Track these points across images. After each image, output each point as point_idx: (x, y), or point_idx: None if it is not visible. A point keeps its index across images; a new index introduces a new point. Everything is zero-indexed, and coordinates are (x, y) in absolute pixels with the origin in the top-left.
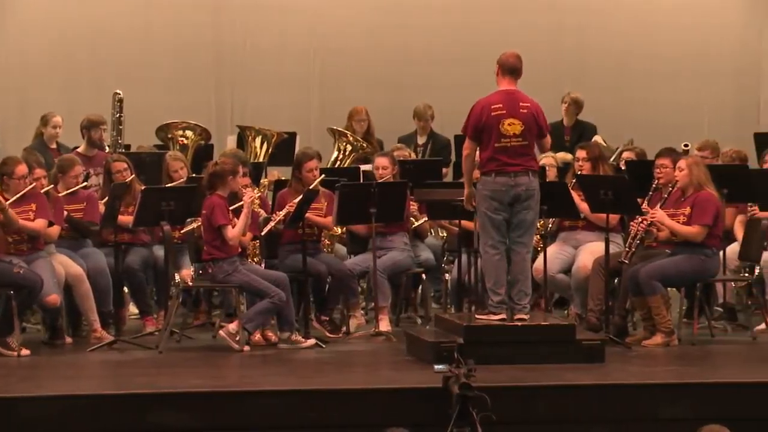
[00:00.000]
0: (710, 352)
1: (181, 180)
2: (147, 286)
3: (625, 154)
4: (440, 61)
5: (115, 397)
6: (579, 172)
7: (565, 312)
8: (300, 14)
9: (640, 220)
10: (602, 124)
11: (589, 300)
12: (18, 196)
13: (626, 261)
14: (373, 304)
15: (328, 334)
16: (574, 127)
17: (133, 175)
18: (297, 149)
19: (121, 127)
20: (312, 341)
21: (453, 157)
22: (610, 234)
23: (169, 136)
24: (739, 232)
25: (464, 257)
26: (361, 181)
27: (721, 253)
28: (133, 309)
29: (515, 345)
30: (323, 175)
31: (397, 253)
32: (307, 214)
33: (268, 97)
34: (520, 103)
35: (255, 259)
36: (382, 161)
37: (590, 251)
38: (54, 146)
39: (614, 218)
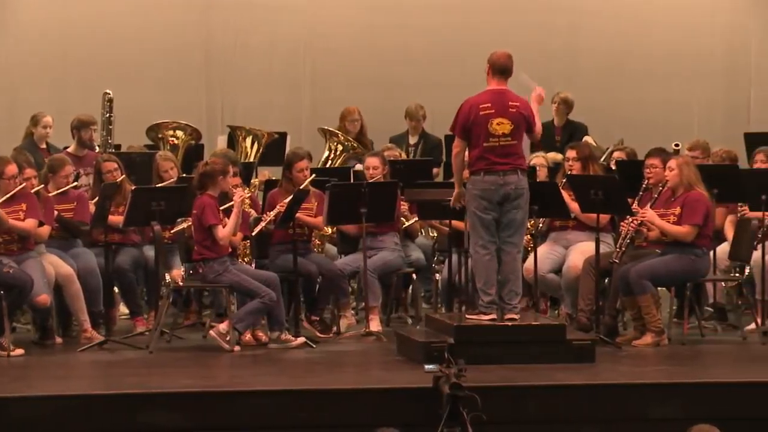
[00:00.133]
0: (700, 352)
1: (172, 180)
2: (137, 287)
3: (616, 154)
4: (431, 61)
5: (106, 398)
6: (569, 172)
7: (556, 312)
8: (291, 14)
9: (630, 220)
10: (593, 124)
11: (579, 300)
12: (8, 195)
13: (617, 261)
14: (363, 304)
15: (318, 334)
16: (565, 127)
17: (124, 175)
18: (288, 149)
19: (111, 127)
20: (302, 341)
21: (444, 157)
22: (601, 234)
23: (160, 136)
24: (729, 231)
25: (455, 257)
26: (352, 181)
27: (712, 252)
28: (123, 309)
29: (506, 345)
30: (314, 175)
31: (387, 253)
32: (297, 214)
33: (259, 97)
34: (509, 103)
35: (245, 259)
36: (372, 161)
37: (581, 251)
38: (44, 146)
39: (604, 218)
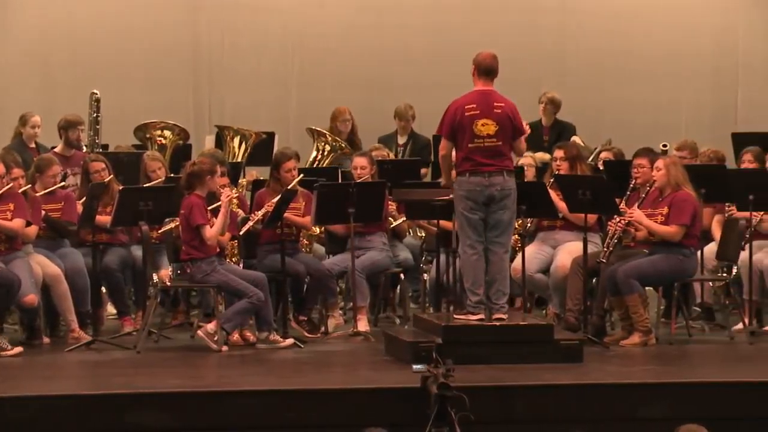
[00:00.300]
0: (688, 351)
1: (159, 180)
2: (125, 286)
3: (603, 154)
4: (419, 61)
5: (93, 398)
6: (557, 172)
7: (544, 312)
8: (278, 13)
9: (618, 219)
10: (581, 124)
11: (567, 300)
12: None
13: (604, 261)
14: (351, 304)
15: (306, 334)
16: (553, 127)
17: (111, 175)
18: (275, 149)
19: (98, 127)
20: (290, 341)
21: (432, 158)
22: (588, 234)
23: (147, 136)
24: (716, 232)
25: (443, 257)
26: (340, 181)
27: (699, 252)
28: (111, 309)
29: (493, 345)
30: (302, 175)
31: (375, 253)
32: (285, 214)
33: (247, 97)
34: (495, 104)
35: (233, 259)
36: (360, 161)
37: (568, 251)
38: (33, 146)
39: (592, 218)
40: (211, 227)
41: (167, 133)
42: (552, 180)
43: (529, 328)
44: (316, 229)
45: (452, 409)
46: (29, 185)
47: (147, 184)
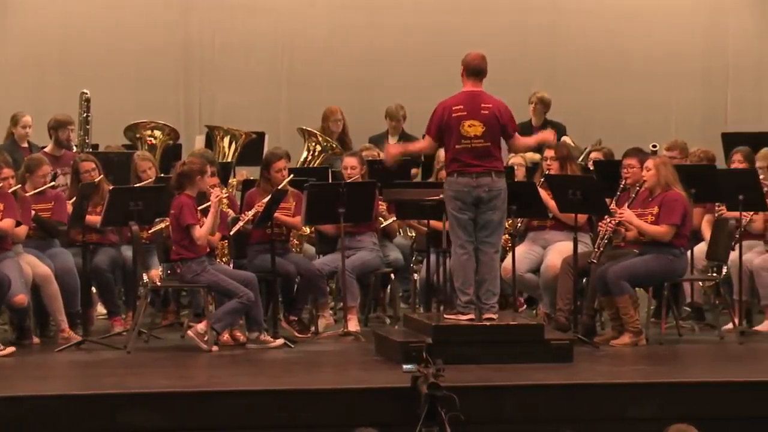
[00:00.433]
0: (678, 351)
1: (150, 180)
2: (115, 287)
3: (593, 154)
4: (409, 61)
5: (83, 398)
6: (547, 172)
7: (534, 312)
8: (269, 13)
9: (608, 220)
10: (571, 124)
11: (557, 300)
12: None
13: (595, 261)
14: (341, 304)
15: (296, 334)
16: (543, 127)
17: (101, 175)
18: (266, 149)
19: (88, 126)
20: (280, 341)
21: (422, 158)
22: (579, 234)
23: (138, 135)
24: (706, 232)
25: (433, 257)
26: (330, 181)
27: (689, 252)
28: (101, 309)
29: (484, 345)
30: (292, 175)
31: (365, 253)
32: (275, 214)
33: (237, 97)
34: (482, 104)
35: (223, 259)
36: (350, 161)
37: (559, 251)
38: (25, 145)
39: (582, 218)
40: (201, 227)
41: (157, 133)
42: (542, 180)
43: (519, 328)
44: (307, 229)
45: (442, 409)
46: (19, 185)
47: (137, 184)
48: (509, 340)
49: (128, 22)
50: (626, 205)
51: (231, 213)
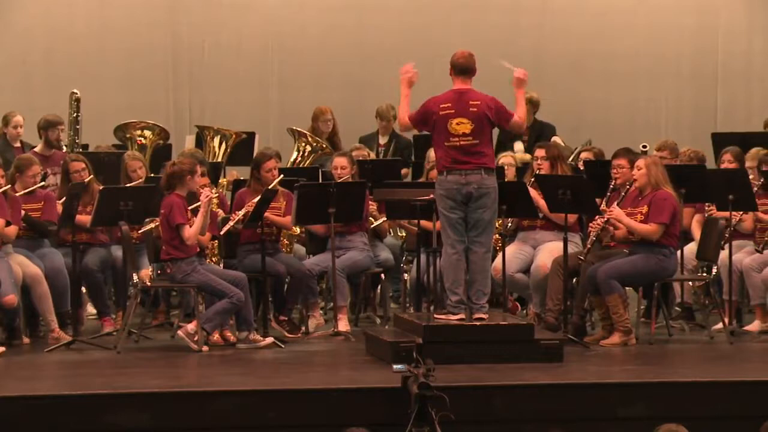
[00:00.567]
0: (668, 351)
1: (140, 180)
2: (105, 287)
3: (584, 154)
4: (399, 61)
5: (73, 398)
6: (538, 171)
7: (524, 311)
8: (258, 13)
9: (598, 219)
10: (561, 124)
11: (547, 300)
12: None
13: (582, 258)
14: (332, 303)
15: (286, 334)
16: (533, 127)
17: (91, 175)
18: (256, 149)
19: (78, 126)
20: (270, 341)
21: (413, 158)
22: (569, 234)
23: (128, 135)
24: (696, 231)
25: (423, 257)
26: (320, 181)
27: (679, 252)
28: (91, 309)
29: (474, 345)
30: (282, 175)
31: (356, 252)
32: (265, 214)
33: (227, 97)
34: (470, 102)
35: (214, 259)
36: (340, 161)
37: (549, 251)
38: (18, 145)
39: (572, 218)
40: (191, 227)
41: (147, 133)
42: (533, 179)
43: (509, 327)
44: (297, 229)
45: (433, 409)
46: (9, 185)
47: (127, 184)
48: (499, 340)
49: (118, 22)
50: (615, 203)
51: (221, 213)
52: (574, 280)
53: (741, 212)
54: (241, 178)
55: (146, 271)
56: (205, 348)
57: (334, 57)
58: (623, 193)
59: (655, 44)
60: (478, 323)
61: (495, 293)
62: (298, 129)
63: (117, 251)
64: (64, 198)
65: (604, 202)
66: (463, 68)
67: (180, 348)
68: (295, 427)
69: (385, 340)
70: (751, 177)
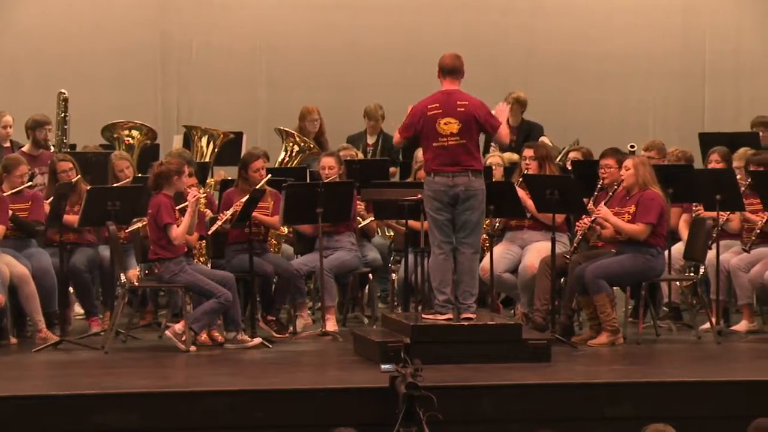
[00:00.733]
0: (655, 351)
1: (127, 180)
2: (93, 287)
3: (572, 154)
4: (388, 61)
5: (61, 398)
6: (526, 171)
7: (512, 311)
8: (246, 13)
9: (585, 219)
10: (549, 124)
11: (535, 299)
12: None
13: (568, 257)
14: (319, 303)
15: (274, 334)
16: (520, 127)
17: (79, 175)
18: (244, 149)
19: (66, 126)
20: (258, 341)
21: (401, 158)
22: (557, 234)
23: (115, 135)
24: (684, 231)
25: (411, 257)
26: (308, 180)
27: (666, 252)
28: (78, 309)
29: (462, 344)
30: (270, 175)
31: (344, 252)
32: (253, 214)
33: (215, 97)
34: (458, 102)
35: (201, 259)
36: (328, 161)
37: (536, 251)
38: (8, 145)
39: (560, 218)
40: (178, 227)
41: (135, 132)
42: (520, 179)
43: (497, 327)
44: (285, 229)
45: (420, 409)
46: None
47: (115, 184)
48: (487, 340)
49: (105, 21)
50: (603, 203)
51: (209, 213)
52: (562, 279)
53: (728, 212)
54: (229, 178)
55: (134, 271)
56: (192, 348)
57: (322, 57)
58: (611, 193)
59: (642, 44)
60: (465, 323)
61: (482, 292)
62: (286, 129)
63: (104, 251)
64: (51, 198)
65: (591, 202)
66: (451, 69)
67: (168, 348)
68: (283, 427)
69: (373, 340)
70: (738, 177)
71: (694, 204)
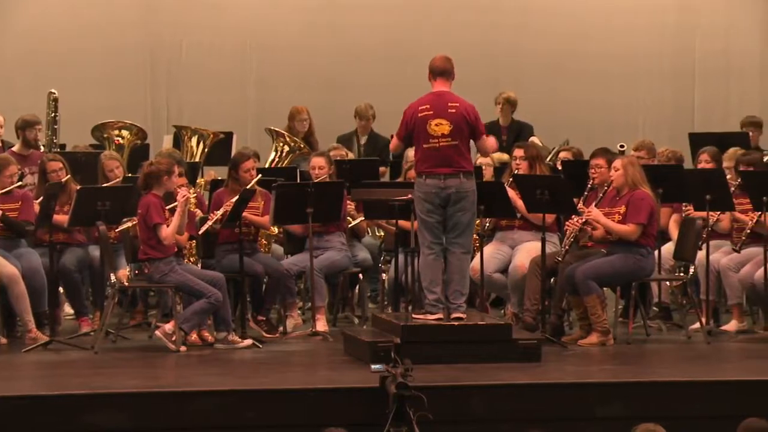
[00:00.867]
0: (646, 351)
1: (117, 180)
2: (82, 287)
3: (563, 154)
4: (378, 60)
5: (50, 398)
6: (516, 171)
7: (502, 312)
8: (235, 12)
9: (575, 219)
10: (539, 124)
11: (525, 299)
12: None
13: (560, 259)
14: (310, 303)
15: (264, 334)
16: (510, 127)
17: (69, 175)
18: (234, 149)
19: (56, 126)
20: (248, 341)
21: (391, 158)
22: (547, 234)
23: (105, 135)
24: (674, 231)
25: (401, 257)
26: (298, 181)
27: (656, 252)
28: (68, 309)
29: (452, 344)
30: (260, 175)
31: (334, 252)
32: (243, 214)
33: (205, 97)
34: (449, 103)
35: (192, 259)
36: (318, 161)
37: (527, 251)
38: None
39: (550, 218)
40: (168, 227)
41: (125, 132)
42: (511, 179)
43: (487, 327)
44: (275, 229)
45: (411, 409)
46: None
47: (104, 184)
48: (477, 340)
49: (94, 21)
50: (593, 204)
51: (199, 213)
52: (552, 280)
53: (718, 212)
54: (219, 178)
55: (124, 271)
56: (183, 348)
57: (312, 56)
58: (601, 194)
59: (632, 44)
60: (456, 323)
61: (471, 293)
62: (276, 129)
63: (94, 251)
64: (41, 198)
65: (581, 202)
66: (442, 71)
67: (158, 348)
68: (274, 427)
69: (363, 340)
70: (728, 177)
71: (684, 204)
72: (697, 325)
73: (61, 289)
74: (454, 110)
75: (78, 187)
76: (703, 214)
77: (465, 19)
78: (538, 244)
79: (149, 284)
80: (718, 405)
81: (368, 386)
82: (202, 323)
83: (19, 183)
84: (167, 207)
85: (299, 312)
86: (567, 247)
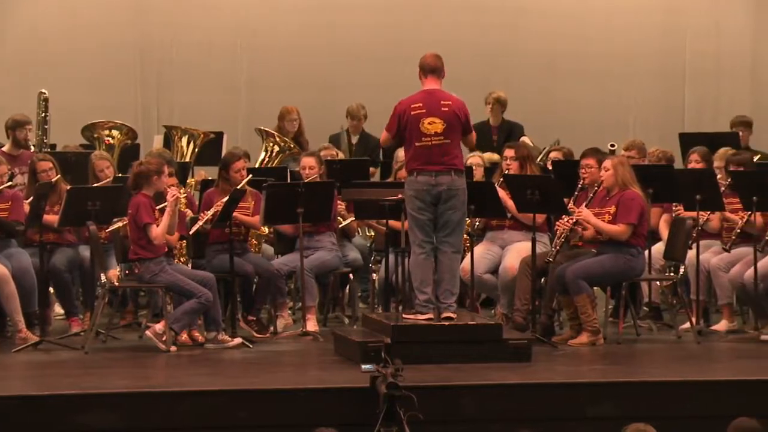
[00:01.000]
0: (636, 351)
1: (107, 180)
2: (73, 287)
3: (554, 154)
4: (369, 60)
5: (40, 398)
6: (507, 171)
7: (492, 312)
8: (226, 12)
9: (565, 219)
10: (529, 124)
11: (515, 299)
12: None
13: (551, 260)
14: (300, 303)
15: (255, 334)
16: (501, 127)
17: (59, 175)
18: (224, 149)
19: (46, 126)
20: (239, 341)
21: (382, 158)
22: (537, 234)
23: (95, 135)
24: (664, 231)
25: (392, 257)
26: (288, 181)
27: (647, 252)
28: (58, 309)
29: (442, 344)
30: (250, 175)
31: (324, 252)
32: (234, 214)
33: (195, 97)
34: (441, 102)
35: (182, 259)
36: (308, 161)
37: (517, 251)
38: None
39: (540, 218)
40: (158, 227)
41: (115, 132)
42: (501, 179)
43: (478, 327)
44: (265, 229)
45: (401, 409)
46: None
47: (95, 184)
48: (468, 340)
49: (85, 21)
50: (584, 204)
51: (189, 213)
52: (543, 279)
53: (708, 212)
54: (210, 178)
55: (114, 271)
56: (173, 348)
57: (303, 57)
58: (591, 194)
59: (622, 44)
60: (446, 323)
61: (461, 294)
62: (266, 129)
63: (85, 251)
64: (31, 198)
65: (572, 202)
66: (433, 68)
67: (148, 348)
68: (264, 427)
69: (353, 340)
70: (718, 177)
71: (674, 204)
72: (687, 324)
73: (51, 289)
74: (446, 108)
75: (68, 187)
76: (693, 214)
77: (456, 20)
78: (529, 244)
79: (139, 284)
80: (709, 405)
81: (359, 386)
82: (193, 323)
83: (9, 183)
84: (157, 207)
85: (290, 312)
86: (557, 248)
